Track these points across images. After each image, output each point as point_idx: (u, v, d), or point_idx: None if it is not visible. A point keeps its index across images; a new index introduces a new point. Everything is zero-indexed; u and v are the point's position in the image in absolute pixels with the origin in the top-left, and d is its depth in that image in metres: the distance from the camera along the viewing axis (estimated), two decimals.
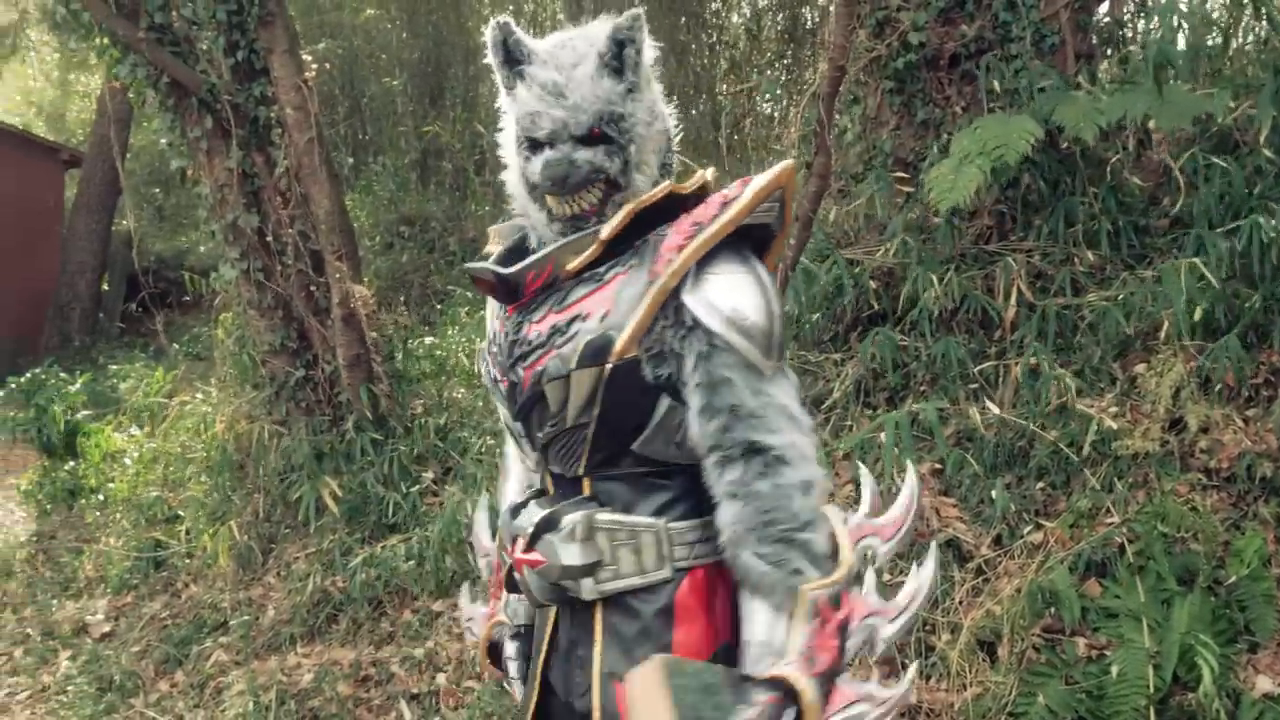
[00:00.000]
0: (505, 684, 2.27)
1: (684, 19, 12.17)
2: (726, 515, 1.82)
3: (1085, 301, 4.68)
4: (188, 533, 6.26)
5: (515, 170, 2.01)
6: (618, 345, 1.84)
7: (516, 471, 2.28)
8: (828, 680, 1.77)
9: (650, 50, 1.92)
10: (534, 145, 1.93)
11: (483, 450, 5.62)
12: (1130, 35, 6.14)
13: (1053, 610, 3.67)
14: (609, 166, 1.89)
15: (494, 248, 2.12)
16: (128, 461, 7.51)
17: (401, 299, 9.88)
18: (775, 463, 1.81)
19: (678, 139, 2.06)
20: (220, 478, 6.31)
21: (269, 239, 5.90)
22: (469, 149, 12.20)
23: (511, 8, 14.08)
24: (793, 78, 11.88)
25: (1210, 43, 5.40)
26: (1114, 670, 3.33)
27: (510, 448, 2.32)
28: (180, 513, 6.49)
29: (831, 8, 6.72)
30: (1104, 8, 5.98)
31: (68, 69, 20.23)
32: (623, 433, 1.91)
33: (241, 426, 6.36)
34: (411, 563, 5.13)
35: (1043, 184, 5.04)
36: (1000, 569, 3.89)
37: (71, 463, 7.82)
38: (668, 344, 1.86)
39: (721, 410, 1.82)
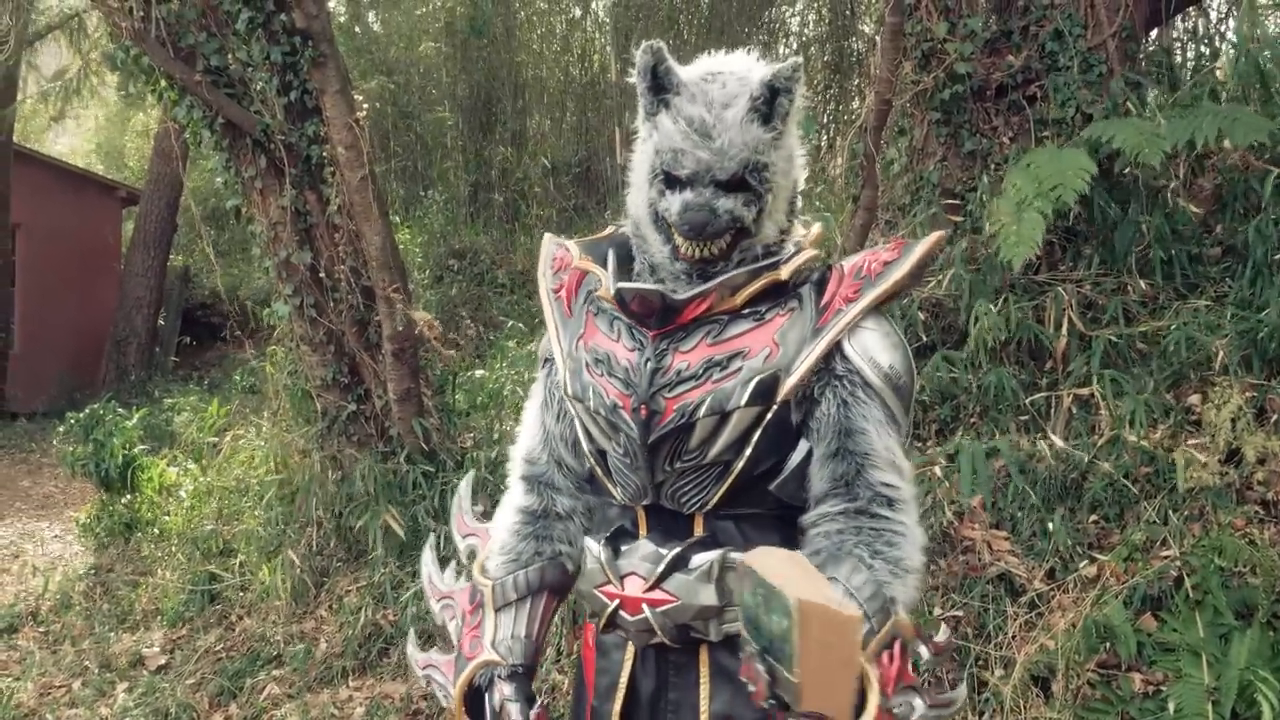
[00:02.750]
0: None
1: (726, 50, 12.20)
2: (835, 526, 1.85)
3: (1137, 331, 4.64)
4: (242, 566, 6.32)
5: (643, 197, 1.95)
6: (785, 387, 1.87)
7: (514, 518, 2.18)
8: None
9: (799, 99, 1.88)
10: (671, 181, 1.88)
11: None
12: (1180, 62, 6.10)
13: (1108, 645, 3.62)
14: (746, 215, 1.87)
15: (588, 264, 2.07)
16: (183, 495, 7.61)
17: (451, 333, 9.95)
18: (902, 505, 1.86)
19: None
20: (274, 511, 6.38)
21: (321, 275, 5.98)
22: (519, 182, 12.31)
23: (559, 46, 14.26)
24: (840, 109, 11.90)
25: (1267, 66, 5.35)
26: (1171, 706, 3.29)
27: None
28: (234, 546, 6.56)
29: (877, 39, 6.73)
30: (1153, 35, 5.95)
31: (125, 109, 20.64)
32: (761, 473, 1.91)
33: (294, 460, 6.43)
34: None
35: (1096, 212, 5.01)
36: (1054, 603, 3.84)
37: (128, 497, 7.92)
38: (811, 388, 1.88)
39: (856, 454, 1.85)
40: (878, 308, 1.91)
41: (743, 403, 1.84)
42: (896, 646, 1.75)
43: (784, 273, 1.91)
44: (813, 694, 1.56)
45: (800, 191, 2.03)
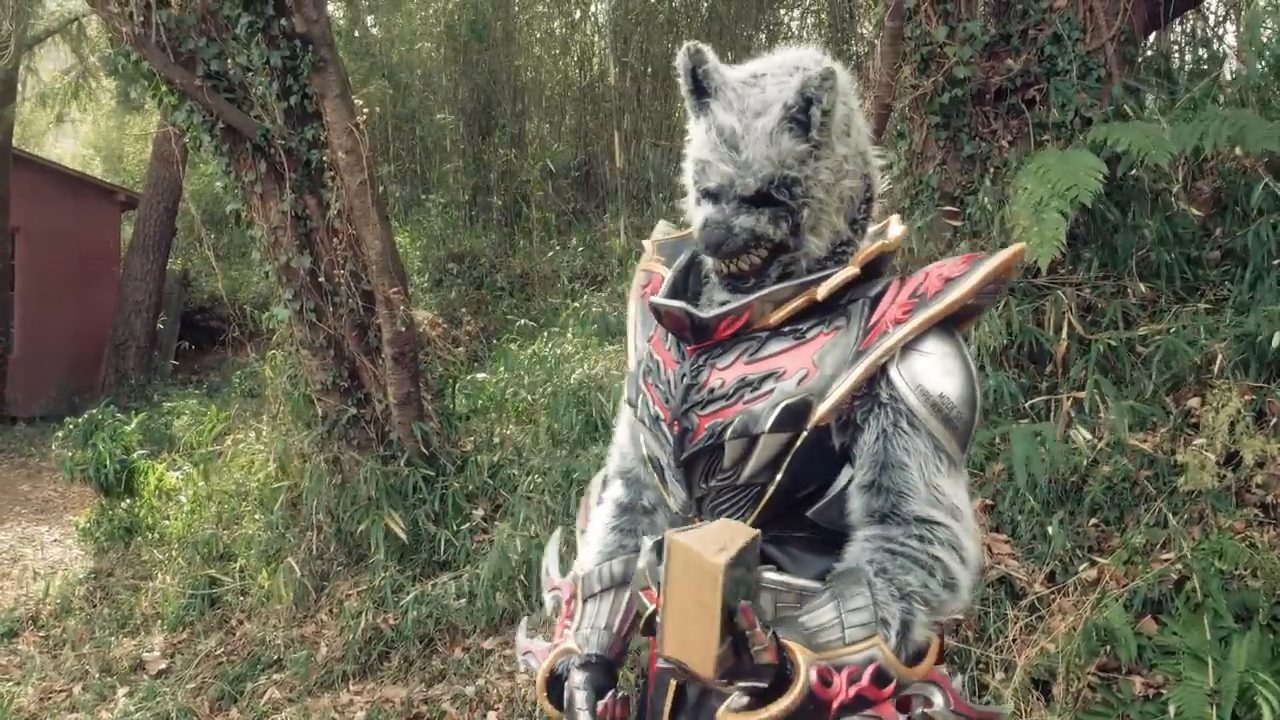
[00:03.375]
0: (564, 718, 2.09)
1: (729, 54, 12.24)
2: (859, 549, 1.74)
3: (1137, 335, 4.64)
4: (242, 570, 6.33)
5: (691, 201, 1.90)
6: (817, 413, 1.75)
7: (608, 510, 2.17)
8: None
9: (842, 106, 1.77)
10: (705, 191, 1.82)
11: (532, 488, 5.65)
12: (1179, 66, 6.11)
13: (1108, 648, 3.62)
14: (772, 232, 1.78)
15: (656, 265, 2.03)
16: (182, 499, 7.61)
17: (457, 332, 9.96)
18: (939, 543, 1.71)
19: None
20: (274, 516, 6.39)
21: (321, 280, 5.98)
22: (519, 185, 12.32)
23: (558, 49, 14.26)
24: None
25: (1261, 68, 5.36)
26: (1172, 709, 3.29)
27: (599, 480, 2.24)
28: (234, 550, 6.56)
29: (877, 43, 6.74)
30: (1151, 39, 5.96)
31: (124, 113, 20.66)
32: (800, 498, 1.82)
33: (294, 464, 6.44)
34: (463, 600, 5.16)
35: (1096, 215, 5.02)
36: (1054, 606, 3.85)
37: (128, 501, 7.92)
38: (855, 413, 1.77)
39: (891, 491, 1.72)
40: (946, 328, 1.77)
41: (766, 428, 1.75)
42: (869, 671, 1.63)
43: (820, 292, 1.78)
44: (674, 640, 1.55)
45: (877, 197, 1.91)
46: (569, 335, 7.88)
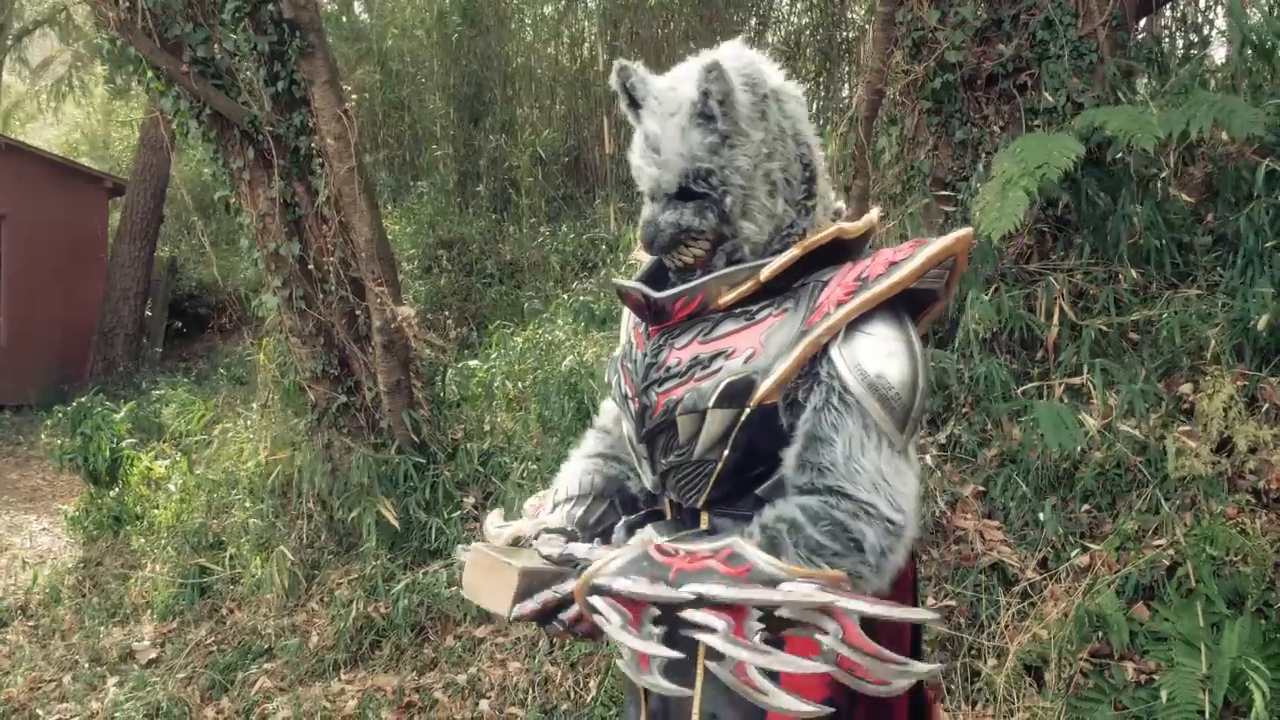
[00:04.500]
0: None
1: (719, 38, 12.19)
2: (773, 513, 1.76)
3: (1129, 321, 4.64)
4: (232, 559, 6.31)
5: None
6: (760, 390, 1.80)
7: (583, 450, 2.29)
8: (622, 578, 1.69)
9: (748, 94, 1.82)
10: (642, 193, 1.94)
11: (524, 476, 5.63)
12: (1169, 51, 6.10)
13: (1100, 634, 3.63)
14: (698, 223, 1.87)
15: (643, 254, 2.10)
16: (172, 488, 7.58)
17: (443, 322, 9.94)
18: (843, 508, 1.71)
19: None
20: (264, 504, 6.37)
21: (310, 267, 5.95)
22: (509, 171, 12.28)
23: (548, 34, 14.21)
24: (829, 96, 11.89)
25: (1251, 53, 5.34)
26: (1164, 695, 3.29)
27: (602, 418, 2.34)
28: (224, 539, 6.54)
29: (868, 28, 6.72)
30: (1142, 24, 5.95)
31: (111, 98, 20.55)
32: (749, 475, 1.87)
33: (284, 453, 6.41)
34: (454, 588, 5.14)
35: (1086, 200, 5.01)
36: (1046, 592, 3.86)
37: (116, 490, 7.89)
38: (798, 391, 1.81)
39: (812, 466, 1.75)
40: (894, 311, 1.80)
41: (710, 404, 1.82)
42: (722, 552, 1.66)
43: (763, 274, 1.85)
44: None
45: (806, 179, 1.93)
46: (559, 322, 7.87)
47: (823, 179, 1.97)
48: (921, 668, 1.65)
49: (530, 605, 1.80)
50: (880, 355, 1.76)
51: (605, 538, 2.12)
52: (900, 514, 1.72)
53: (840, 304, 1.78)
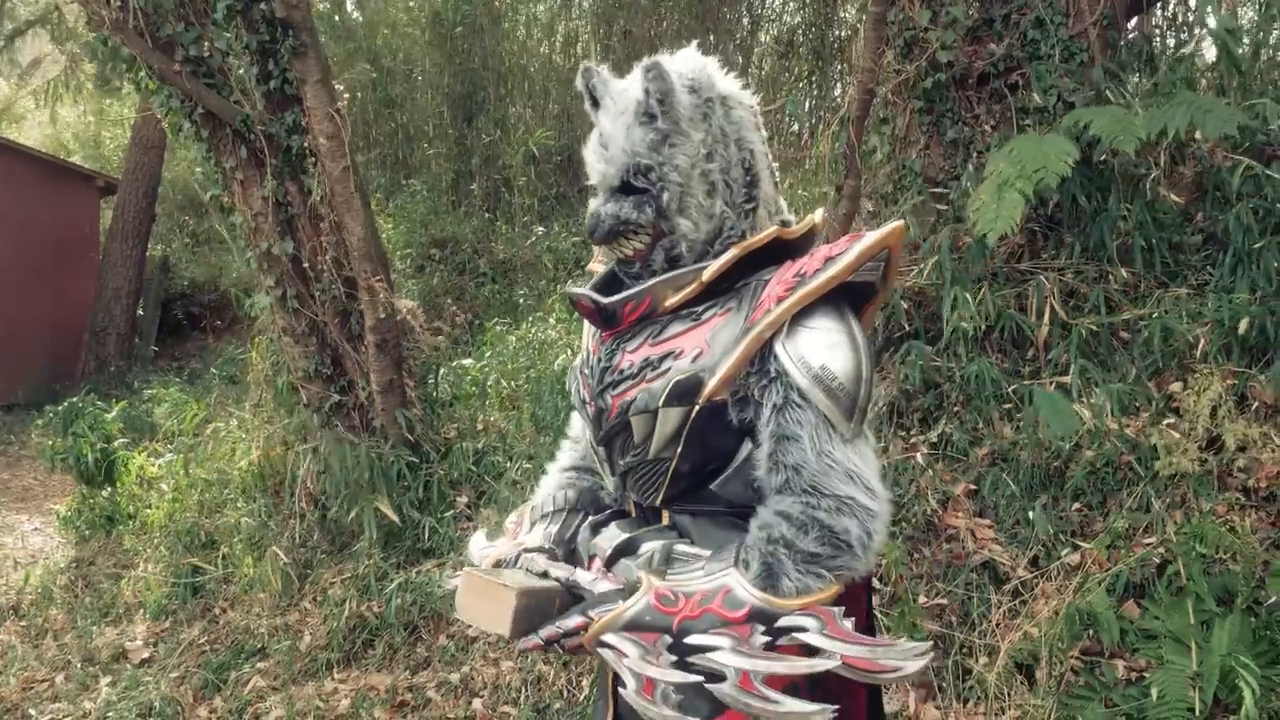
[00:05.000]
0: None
1: (712, 36, 12.22)
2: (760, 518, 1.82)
3: (1119, 320, 4.66)
4: (225, 558, 6.30)
5: None
6: (707, 388, 1.87)
7: (559, 464, 2.37)
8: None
9: (689, 95, 1.91)
10: (593, 188, 2.03)
11: (518, 475, 5.64)
12: (1159, 51, 6.12)
13: (1091, 632, 3.65)
14: (636, 216, 1.94)
15: (598, 265, 2.18)
16: (164, 488, 7.57)
17: (436, 320, 9.93)
18: (823, 507, 1.77)
19: None
20: (257, 503, 6.36)
21: (304, 266, 5.95)
22: (501, 169, 12.27)
23: (541, 33, 14.20)
24: (822, 94, 11.90)
25: (1241, 53, 5.36)
26: (1154, 692, 3.31)
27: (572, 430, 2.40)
28: (217, 538, 6.54)
29: (860, 27, 6.73)
30: (1133, 24, 5.96)
31: (102, 97, 20.49)
32: (703, 472, 1.93)
33: (276, 452, 6.41)
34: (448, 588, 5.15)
35: (1075, 201, 5.03)
36: (1037, 591, 3.87)
37: (109, 489, 7.88)
38: (751, 389, 1.86)
39: (786, 466, 1.80)
40: (835, 305, 1.85)
41: (660, 403, 1.88)
42: (720, 595, 1.75)
43: (705, 274, 1.92)
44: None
45: (747, 183, 1.99)
46: (552, 320, 7.87)
47: (767, 184, 2.02)
48: (912, 645, 1.73)
49: (534, 640, 1.87)
50: (822, 348, 1.82)
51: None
52: (875, 499, 1.79)
53: (780, 300, 1.83)
